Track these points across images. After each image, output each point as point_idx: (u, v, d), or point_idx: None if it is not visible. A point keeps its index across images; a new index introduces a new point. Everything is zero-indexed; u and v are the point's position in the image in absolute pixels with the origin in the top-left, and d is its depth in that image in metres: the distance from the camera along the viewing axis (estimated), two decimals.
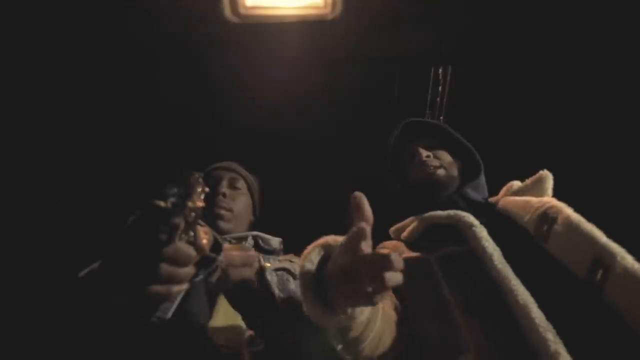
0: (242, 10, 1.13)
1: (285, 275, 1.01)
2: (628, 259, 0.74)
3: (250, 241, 1.13)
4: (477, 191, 1.16)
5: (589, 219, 0.86)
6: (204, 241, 0.60)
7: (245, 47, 1.31)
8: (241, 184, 1.27)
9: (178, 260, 0.54)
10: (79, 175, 1.76)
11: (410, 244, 1.11)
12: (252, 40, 1.28)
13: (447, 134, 1.26)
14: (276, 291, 0.92)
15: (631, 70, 1.40)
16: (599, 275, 0.76)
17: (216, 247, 0.66)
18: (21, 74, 1.46)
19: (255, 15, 1.15)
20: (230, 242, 1.00)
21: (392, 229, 1.22)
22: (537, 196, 1.01)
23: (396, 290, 0.99)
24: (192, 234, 0.56)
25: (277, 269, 1.02)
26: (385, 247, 1.17)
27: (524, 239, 0.92)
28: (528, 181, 1.10)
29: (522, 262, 0.85)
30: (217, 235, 0.67)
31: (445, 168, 1.15)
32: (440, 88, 1.72)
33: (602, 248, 0.77)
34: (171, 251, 0.52)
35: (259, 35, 1.26)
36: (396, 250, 1.13)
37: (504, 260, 0.85)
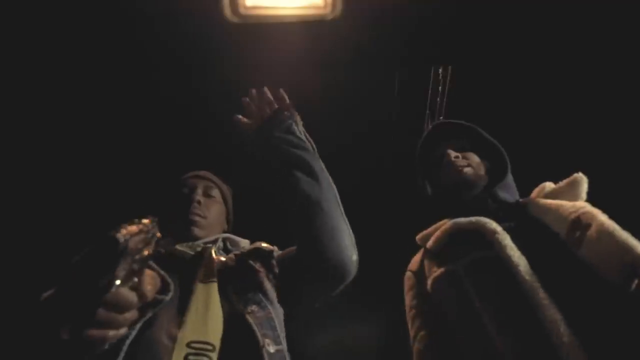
0: (242, 10, 1.13)
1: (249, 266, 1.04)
2: None
3: (219, 243, 1.14)
4: (508, 192, 1.17)
5: (619, 222, 0.85)
6: (149, 287, 0.60)
7: (245, 47, 1.31)
8: (215, 192, 1.32)
9: (117, 307, 0.55)
10: (79, 175, 1.76)
11: (436, 253, 1.13)
12: (252, 40, 1.28)
13: (475, 135, 1.28)
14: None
15: None
16: (634, 285, 0.75)
17: (164, 288, 0.67)
18: (22, 75, 1.46)
19: (255, 15, 1.15)
20: (202, 247, 1.03)
21: (419, 236, 1.23)
22: (570, 200, 1.00)
23: (435, 312, 1.03)
24: (136, 280, 0.56)
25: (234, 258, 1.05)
26: (410, 271, 1.20)
27: (555, 245, 0.91)
28: (562, 184, 1.08)
29: (552, 270, 0.84)
30: (166, 276, 0.67)
31: (473, 167, 1.17)
32: (440, 88, 1.72)
33: (638, 257, 0.76)
34: (110, 297, 0.53)
35: (259, 35, 1.26)
36: (416, 275, 1.17)
37: (531, 271, 0.85)
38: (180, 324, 0.78)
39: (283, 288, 1.03)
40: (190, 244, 1.07)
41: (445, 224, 1.12)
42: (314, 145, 1.16)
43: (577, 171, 1.08)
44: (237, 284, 0.96)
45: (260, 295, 0.97)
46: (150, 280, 0.61)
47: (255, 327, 0.85)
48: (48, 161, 1.73)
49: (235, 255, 1.06)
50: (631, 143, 1.58)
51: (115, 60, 1.43)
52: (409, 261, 1.27)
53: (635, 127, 1.53)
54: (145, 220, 0.57)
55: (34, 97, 1.57)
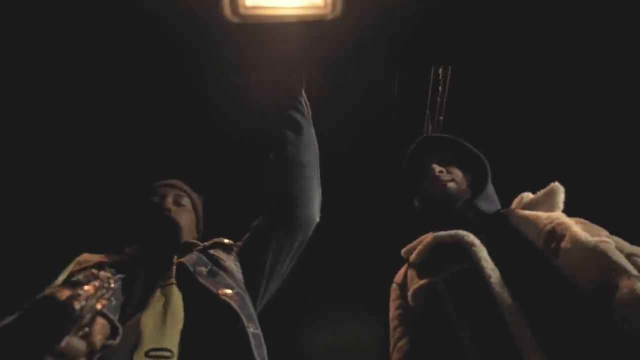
0: (242, 10, 1.13)
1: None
2: (633, 273, 0.75)
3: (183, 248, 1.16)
4: (489, 202, 1.20)
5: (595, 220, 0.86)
6: (98, 336, 0.62)
7: (245, 47, 1.31)
8: (185, 200, 1.35)
9: (66, 356, 0.56)
10: (78, 175, 1.76)
11: (418, 266, 1.16)
12: (252, 40, 1.28)
13: (460, 148, 1.32)
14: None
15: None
16: (605, 295, 0.77)
17: (113, 333, 0.69)
18: (22, 75, 1.46)
19: (255, 15, 1.15)
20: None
21: (404, 250, 1.28)
22: (547, 210, 1.02)
23: (416, 323, 1.06)
24: (86, 329, 0.58)
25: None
26: (395, 283, 1.24)
27: (533, 256, 0.93)
28: (539, 194, 1.12)
29: (528, 282, 0.86)
30: (115, 321, 0.69)
31: (456, 182, 1.22)
32: (440, 88, 1.72)
33: (609, 266, 0.78)
34: (60, 347, 0.54)
35: (259, 35, 1.26)
36: (400, 287, 1.21)
37: (502, 282, 0.87)
38: (139, 334, 0.79)
39: (248, 254, 1.09)
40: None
41: (428, 237, 1.16)
42: (309, 110, 1.24)
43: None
44: (203, 272, 0.98)
45: (228, 278, 0.99)
46: (100, 330, 0.63)
47: (235, 307, 0.87)
48: (48, 161, 1.73)
49: (197, 249, 1.09)
50: (631, 145, 1.58)
51: (114, 60, 1.43)
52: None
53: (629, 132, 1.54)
54: (102, 274, 0.60)
55: (33, 95, 1.57)
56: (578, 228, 0.89)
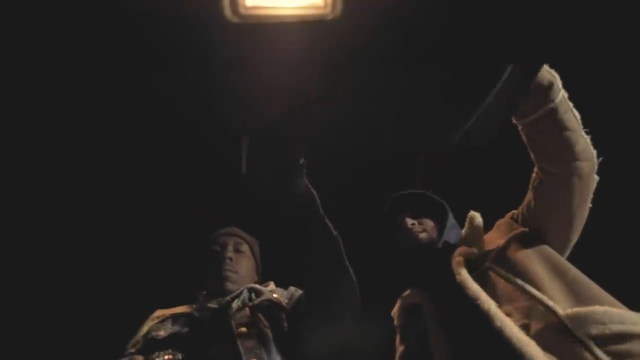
0: (242, 10, 1.13)
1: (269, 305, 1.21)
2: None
3: (245, 294, 1.28)
4: (453, 232, 1.38)
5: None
6: None
7: (245, 47, 1.31)
8: (244, 247, 1.49)
9: None
10: (79, 175, 1.76)
11: (399, 329, 1.30)
12: (252, 40, 1.28)
13: (426, 199, 1.50)
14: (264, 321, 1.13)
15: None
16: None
17: None
18: (22, 75, 1.46)
19: (255, 15, 1.15)
20: (227, 301, 1.19)
21: (393, 312, 1.40)
22: (478, 245, 1.16)
23: None
24: None
25: (262, 301, 1.20)
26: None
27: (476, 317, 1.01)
28: (465, 229, 1.29)
29: (471, 344, 0.96)
30: None
31: (427, 231, 1.37)
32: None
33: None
34: None
35: (259, 35, 1.26)
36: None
37: (443, 344, 0.98)
38: None
39: (291, 333, 1.15)
40: (219, 299, 1.22)
41: (400, 300, 1.29)
42: (317, 198, 1.24)
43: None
44: (246, 339, 1.07)
45: (264, 350, 1.07)
46: None
47: None
48: (46, 160, 1.73)
49: (249, 307, 1.18)
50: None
51: (113, 60, 1.43)
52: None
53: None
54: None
55: (33, 95, 1.57)
56: (463, 270, 0.99)
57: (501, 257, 1.02)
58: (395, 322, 1.33)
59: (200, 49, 1.34)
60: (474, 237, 1.21)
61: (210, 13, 1.13)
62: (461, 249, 1.12)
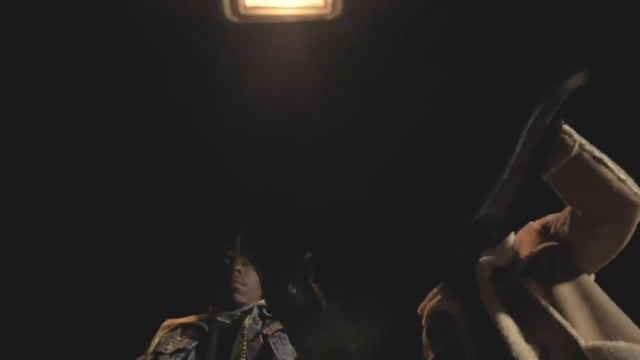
0: (242, 10, 1.12)
1: (282, 336, 1.23)
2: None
3: (255, 311, 1.31)
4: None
5: None
6: None
7: (245, 47, 1.31)
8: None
9: None
10: (81, 175, 1.76)
11: (429, 333, 1.19)
12: (252, 40, 1.28)
13: None
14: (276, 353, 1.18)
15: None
16: None
17: None
18: (23, 75, 1.46)
19: (255, 15, 1.14)
20: (238, 317, 1.25)
21: (420, 307, 1.29)
22: (503, 253, 1.07)
23: None
24: None
25: (276, 331, 1.24)
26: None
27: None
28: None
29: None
30: None
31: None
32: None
33: None
34: None
35: (259, 35, 1.26)
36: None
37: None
38: None
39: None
40: (229, 313, 1.26)
41: (431, 304, 1.15)
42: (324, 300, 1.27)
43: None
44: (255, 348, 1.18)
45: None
46: None
47: None
48: (46, 160, 1.73)
49: (262, 335, 1.24)
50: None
51: (114, 59, 1.43)
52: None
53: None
54: None
55: (33, 95, 1.57)
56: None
57: (530, 272, 0.97)
58: (424, 323, 1.22)
59: (200, 49, 1.34)
60: (504, 251, 1.10)
61: (210, 13, 1.13)
62: (489, 259, 1.05)
